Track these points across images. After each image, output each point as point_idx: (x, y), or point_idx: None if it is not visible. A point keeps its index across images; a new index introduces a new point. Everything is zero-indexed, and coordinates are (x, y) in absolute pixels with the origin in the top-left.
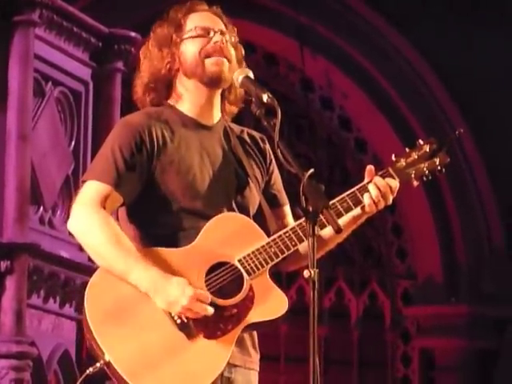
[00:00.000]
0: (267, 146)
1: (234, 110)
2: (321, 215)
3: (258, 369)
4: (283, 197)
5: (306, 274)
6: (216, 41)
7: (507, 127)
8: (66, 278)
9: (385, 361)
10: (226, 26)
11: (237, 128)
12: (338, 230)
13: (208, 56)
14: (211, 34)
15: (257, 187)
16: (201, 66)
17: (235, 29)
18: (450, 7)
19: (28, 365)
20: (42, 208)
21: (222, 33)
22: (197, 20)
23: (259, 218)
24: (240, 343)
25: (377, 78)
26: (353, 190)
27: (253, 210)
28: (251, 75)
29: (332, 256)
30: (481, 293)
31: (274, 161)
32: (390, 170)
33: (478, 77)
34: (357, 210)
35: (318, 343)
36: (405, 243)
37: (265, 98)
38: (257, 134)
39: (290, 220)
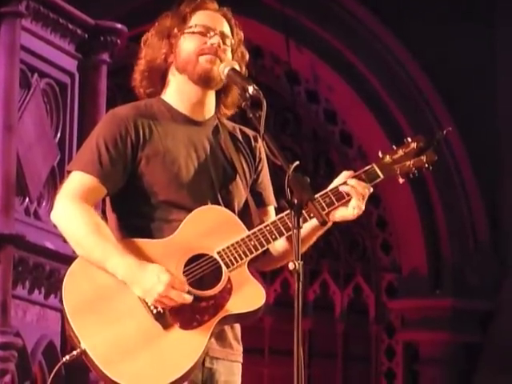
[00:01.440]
0: (258, 145)
1: (228, 113)
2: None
3: (242, 360)
4: (268, 197)
5: (290, 266)
6: (213, 42)
7: (493, 122)
8: (51, 269)
9: (369, 354)
10: (232, 29)
11: (230, 124)
12: (324, 222)
13: (202, 54)
14: (211, 33)
15: (244, 183)
16: (192, 63)
17: (241, 34)
18: (437, 1)
19: (13, 355)
20: (27, 199)
21: (223, 35)
22: (201, 18)
23: (245, 215)
24: (220, 336)
25: (362, 72)
26: (335, 186)
27: (238, 206)
28: (237, 67)
29: (317, 249)
30: (465, 286)
31: (264, 160)
32: (375, 166)
33: (464, 72)
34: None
35: (302, 336)
36: (389, 236)
37: (250, 90)
38: (250, 132)
39: None
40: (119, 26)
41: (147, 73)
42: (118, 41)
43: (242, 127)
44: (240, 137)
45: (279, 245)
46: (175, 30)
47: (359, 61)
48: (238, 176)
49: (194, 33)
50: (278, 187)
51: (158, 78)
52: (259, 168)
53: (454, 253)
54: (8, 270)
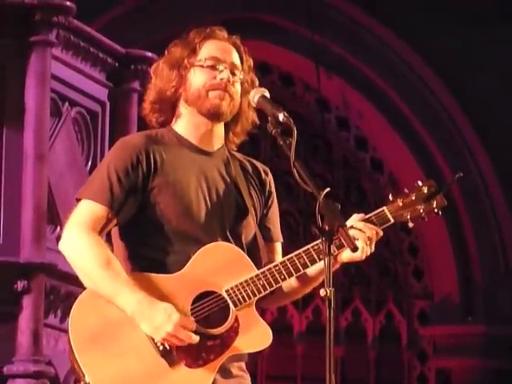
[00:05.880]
0: (269, 178)
1: (237, 141)
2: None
3: None
4: (277, 233)
5: (322, 292)
6: (222, 78)
7: None
8: None
9: (401, 381)
10: (241, 57)
11: (240, 156)
12: (354, 249)
13: (212, 89)
14: (220, 68)
15: (254, 217)
16: (202, 98)
17: (251, 60)
18: (469, 25)
19: None
20: (58, 228)
21: (232, 66)
22: (210, 50)
23: (253, 249)
24: (224, 372)
25: (392, 98)
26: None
27: (246, 240)
28: (267, 94)
29: (348, 276)
30: (497, 313)
31: (274, 195)
32: (386, 210)
33: (497, 99)
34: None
35: (334, 363)
36: (421, 263)
37: (281, 117)
38: (260, 166)
39: (279, 257)
40: (149, 54)
41: (157, 104)
42: (149, 69)
43: (252, 160)
44: (250, 169)
45: (286, 284)
46: (185, 62)
47: (389, 87)
48: (248, 209)
49: (203, 67)
50: (310, 214)
51: (169, 108)
52: (269, 202)
53: (485, 279)
54: (40, 299)
